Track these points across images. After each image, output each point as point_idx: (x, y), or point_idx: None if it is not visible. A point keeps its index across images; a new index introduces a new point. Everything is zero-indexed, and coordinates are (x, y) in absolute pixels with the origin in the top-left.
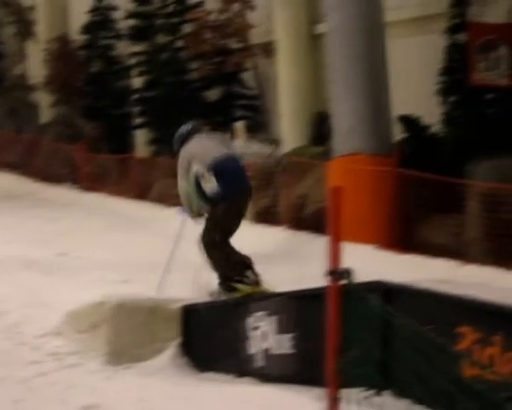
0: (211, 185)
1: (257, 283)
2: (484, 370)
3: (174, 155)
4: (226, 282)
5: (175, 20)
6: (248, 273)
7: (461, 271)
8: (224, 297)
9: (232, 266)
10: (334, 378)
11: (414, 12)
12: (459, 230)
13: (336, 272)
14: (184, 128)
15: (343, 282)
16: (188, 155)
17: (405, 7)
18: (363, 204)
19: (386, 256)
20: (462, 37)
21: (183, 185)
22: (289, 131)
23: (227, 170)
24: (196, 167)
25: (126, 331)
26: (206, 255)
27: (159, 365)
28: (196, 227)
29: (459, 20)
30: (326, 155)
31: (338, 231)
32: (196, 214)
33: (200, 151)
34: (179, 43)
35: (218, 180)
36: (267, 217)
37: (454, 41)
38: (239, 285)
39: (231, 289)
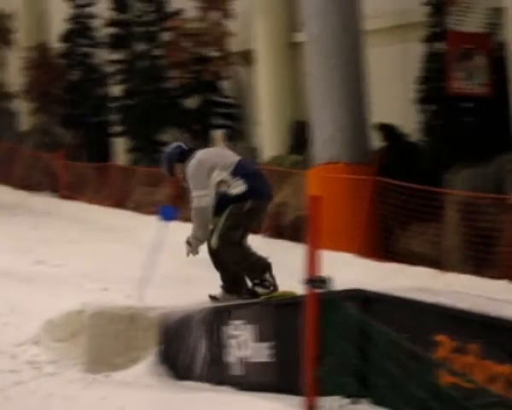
0: (238, 189)
1: (274, 286)
2: (460, 378)
3: (169, 173)
4: (239, 284)
5: (154, 28)
6: (267, 276)
7: (439, 279)
8: (229, 300)
9: (251, 268)
10: (311, 387)
11: (392, 21)
12: (437, 238)
13: (314, 281)
14: (175, 147)
15: (320, 290)
16: (206, 166)
17: (384, 16)
18: (341, 212)
19: (365, 264)
20: (440, 46)
21: (208, 199)
22: (268, 139)
23: (251, 172)
24: (219, 176)
25: (105, 340)
26: (224, 254)
27: (137, 373)
28: (174, 234)
29: (437, 29)
30: (305, 164)
31: (316, 240)
32: (204, 239)
33: (219, 160)
34: (158, 52)
35: (245, 182)
36: None
37: (432, 50)
38: (258, 289)
39: (249, 292)
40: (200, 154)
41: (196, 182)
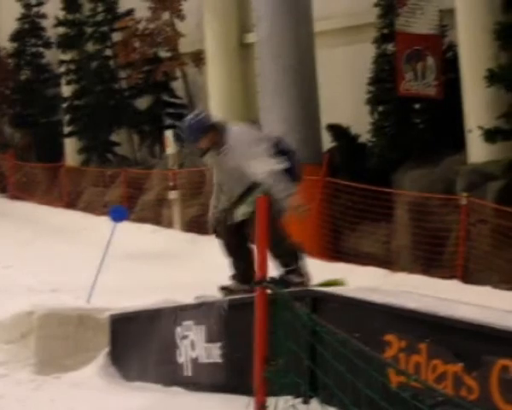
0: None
1: (307, 276)
2: (409, 377)
3: (191, 143)
4: (253, 273)
5: (104, 28)
6: (302, 264)
7: (389, 279)
8: (243, 290)
9: (289, 251)
10: (261, 387)
11: (343, 22)
12: (388, 238)
13: (263, 281)
14: (203, 116)
15: (270, 290)
16: (256, 137)
17: (334, 17)
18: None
19: (316, 264)
20: (390, 47)
21: (276, 161)
22: None
23: (290, 151)
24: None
25: (55, 341)
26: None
27: (87, 374)
28: (125, 234)
29: (387, 31)
30: None
31: (265, 241)
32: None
33: (261, 134)
34: (109, 52)
35: (285, 160)
36: (197, 225)
37: (382, 51)
38: (293, 277)
39: (282, 280)
40: (244, 127)
41: (256, 151)
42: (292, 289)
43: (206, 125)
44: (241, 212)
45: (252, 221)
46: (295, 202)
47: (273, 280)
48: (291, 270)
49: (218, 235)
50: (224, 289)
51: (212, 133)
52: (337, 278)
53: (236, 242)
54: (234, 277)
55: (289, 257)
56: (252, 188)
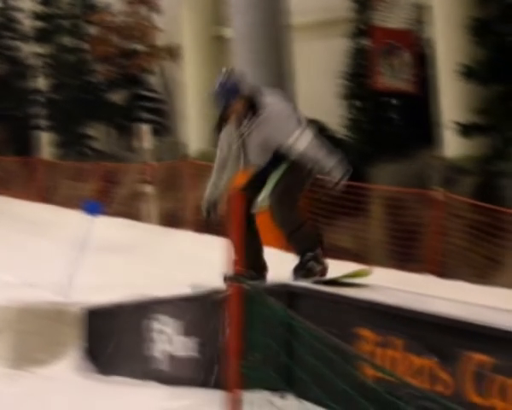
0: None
1: (325, 264)
2: (384, 372)
3: (220, 107)
4: (260, 261)
5: (79, 21)
6: (319, 251)
7: None
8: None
9: (307, 237)
10: (235, 381)
11: (318, 17)
12: (362, 233)
13: (237, 276)
14: (237, 78)
15: (244, 285)
16: (292, 108)
17: (309, 11)
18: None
19: (292, 259)
20: (365, 42)
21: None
22: (195, 134)
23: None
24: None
25: (30, 336)
26: (278, 216)
27: (63, 369)
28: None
29: (362, 25)
30: None
31: (238, 235)
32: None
33: (293, 106)
34: (84, 46)
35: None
36: (173, 220)
37: (357, 46)
38: (314, 265)
39: (302, 268)
40: (278, 96)
41: (293, 122)
42: (314, 278)
43: (241, 88)
44: (263, 198)
45: (273, 210)
46: (337, 175)
47: (296, 267)
48: (311, 257)
49: (212, 218)
50: (230, 277)
51: (246, 99)
52: (363, 269)
53: (248, 225)
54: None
55: (308, 243)
56: (274, 165)
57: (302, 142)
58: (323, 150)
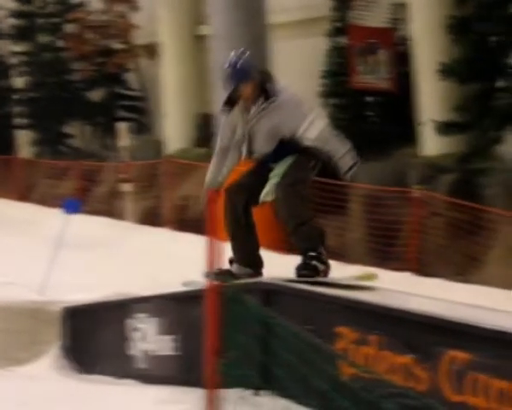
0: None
1: (328, 264)
2: (360, 369)
3: (230, 87)
4: (257, 256)
5: (58, 19)
6: (323, 249)
7: (343, 271)
8: (246, 275)
9: (311, 233)
10: (212, 379)
11: (297, 15)
12: (342, 231)
13: (214, 273)
14: (249, 60)
15: (221, 283)
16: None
17: (288, 10)
18: None
19: (270, 257)
20: (343, 40)
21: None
22: (173, 132)
23: None
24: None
25: (7, 334)
26: (284, 209)
27: (40, 367)
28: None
29: (340, 24)
30: (210, 157)
31: (215, 233)
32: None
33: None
34: (62, 44)
35: None
36: (151, 218)
37: (335, 44)
38: (317, 263)
39: (306, 268)
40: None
41: (306, 109)
42: (318, 278)
43: (253, 72)
44: (268, 190)
45: (279, 203)
46: (349, 162)
47: (299, 266)
48: (314, 256)
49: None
50: (224, 273)
51: (257, 81)
52: (369, 273)
53: (246, 219)
54: (236, 260)
55: (312, 241)
56: (277, 157)
57: (315, 129)
58: (336, 138)
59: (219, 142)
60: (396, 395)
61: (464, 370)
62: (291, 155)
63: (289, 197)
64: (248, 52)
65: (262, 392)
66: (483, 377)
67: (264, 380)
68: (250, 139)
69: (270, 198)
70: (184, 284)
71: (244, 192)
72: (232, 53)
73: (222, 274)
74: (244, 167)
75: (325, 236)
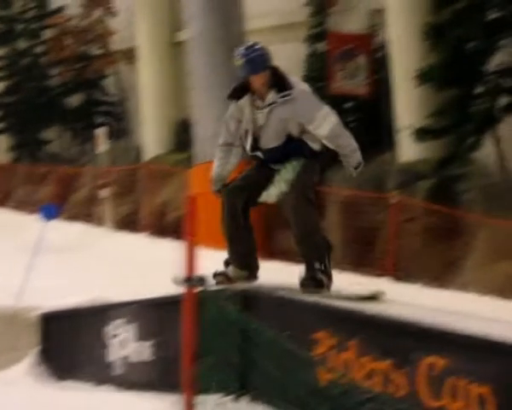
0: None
1: (331, 278)
2: (338, 375)
3: (244, 74)
4: (253, 258)
5: (36, 25)
6: (328, 262)
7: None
8: (242, 277)
9: (319, 243)
10: (189, 384)
11: (274, 21)
12: None
13: (191, 279)
14: (266, 50)
15: (199, 288)
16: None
17: (266, 15)
18: None
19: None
20: (321, 46)
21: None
22: (152, 137)
23: None
24: None
25: None
26: (295, 213)
27: (17, 374)
28: (56, 232)
29: (319, 30)
30: (188, 162)
31: (193, 239)
32: None
33: None
34: (40, 49)
35: None
36: (128, 224)
37: (314, 50)
38: (323, 277)
39: (312, 279)
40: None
41: (319, 105)
42: (323, 291)
43: (267, 63)
44: (274, 192)
45: (287, 203)
46: (359, 158)
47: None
48: (320, 269)
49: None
50: (220, 275)
51: (270, 73)
52: (376, 291)
53: (244, 221)
54: (232, 262)
55: (319, 251)
56: (285, 153)
57: (327, 124)
58: (346, 134)
59: (223, 135)
60: (372, 400)
61: (443, 375)
62: (296, 159)
63: (301, 206)
64: (262, 44)
65: (240, 398)
66: (462, 382)
67: (242, 386)
68: (257, 133)
69: (271, 200)
70: (174, 281)
71: (243, 193)
72: (246, 43)
73: (199, 280)
74: (244, 168)
75: (332, 249)
